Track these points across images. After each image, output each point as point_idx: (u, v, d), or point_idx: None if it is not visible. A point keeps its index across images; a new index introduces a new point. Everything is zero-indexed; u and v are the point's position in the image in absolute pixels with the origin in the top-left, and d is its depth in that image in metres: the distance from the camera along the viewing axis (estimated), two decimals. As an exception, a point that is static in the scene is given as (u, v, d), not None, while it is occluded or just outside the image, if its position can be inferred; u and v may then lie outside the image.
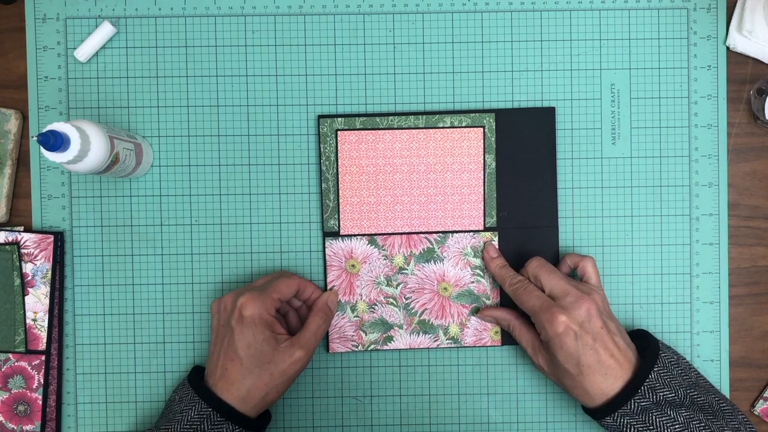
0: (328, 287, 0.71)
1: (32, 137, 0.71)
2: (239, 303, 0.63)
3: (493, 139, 0.71)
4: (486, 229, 0.71)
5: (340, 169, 0.71)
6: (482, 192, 0.71)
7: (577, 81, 0.72)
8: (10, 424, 0.70)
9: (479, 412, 0.72)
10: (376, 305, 0.71)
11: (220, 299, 0.66)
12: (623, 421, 0.62)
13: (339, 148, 0.71)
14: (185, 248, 0.72)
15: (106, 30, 0.71)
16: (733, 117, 0.72)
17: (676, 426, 0.61)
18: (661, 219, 0.72)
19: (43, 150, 0.58)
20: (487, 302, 0.71)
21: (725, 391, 0.72)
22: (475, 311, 0.71)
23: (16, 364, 0.70)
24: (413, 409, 0.72)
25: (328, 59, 0.72)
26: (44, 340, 0.70)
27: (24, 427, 0.70)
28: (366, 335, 0.71)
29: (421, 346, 0.72)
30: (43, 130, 0.58)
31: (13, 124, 0.71)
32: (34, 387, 0.70)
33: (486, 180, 0.71)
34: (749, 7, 0.70)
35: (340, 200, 0.71)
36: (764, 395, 0.72)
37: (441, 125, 0.71)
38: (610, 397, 0.63)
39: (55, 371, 0.70)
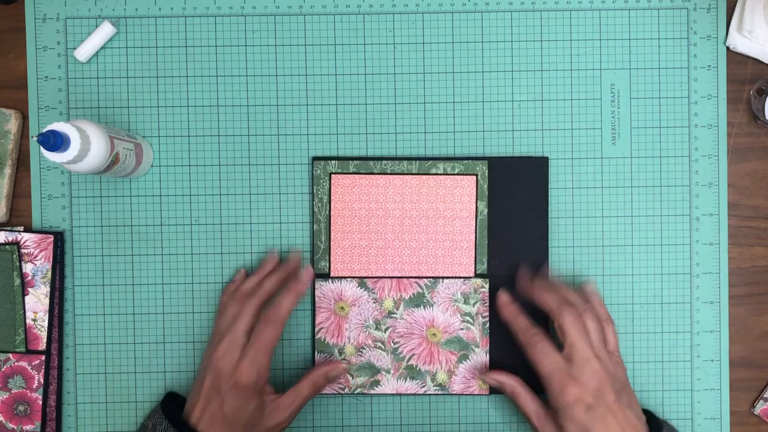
0: (317, 329, 0.71)
1: (32, 137, 0.71)
2: (238, 371, 0.62)
3: (485, 186, 0.70)
4: (477, 276, 0.71)
5: (332, 212, 0.71)
6: (473, 239, 0.71)
7: (577, 81, 0.72)
8: (10, 424, 0.70)
9: (479, 412, 0.72)
10: (364, 349, 0.71)
11: (214, 353, 0.64)
12: None
13: (332, 191, 0.70)
14: (185, 248, 0.72)
15: (106, 30, 0.71)
16: (733, 117, 0.72)
17: None
18: (661, 219, 0.72)
19: (43, 150, 0.58)
20: (476, 350, 0.70)
21: (725, 391, 0.72)
22: (464, 358, 0.70)
23: (16, 364, 0.70)
24: (413, 409, 0.72)
25: (328, 59, 0.72)
26: (44, 340, 0.70)
27: (24, 427, 0.70)
28: (353, 378, 0.71)
29: (408, 392, 0.71)
30: (43, 130, 0.58)
31: (13, 124, 0.71)
32: (34, 387, 0.70)
33: (478, 227, 0.71)
34: (749, 7, 0.70)
35: (332, 242, 0.71)
36: (764, 395, 0.72)
37: (434, 172, 0.71)
38: None
39: (55, 371, 0.70)
